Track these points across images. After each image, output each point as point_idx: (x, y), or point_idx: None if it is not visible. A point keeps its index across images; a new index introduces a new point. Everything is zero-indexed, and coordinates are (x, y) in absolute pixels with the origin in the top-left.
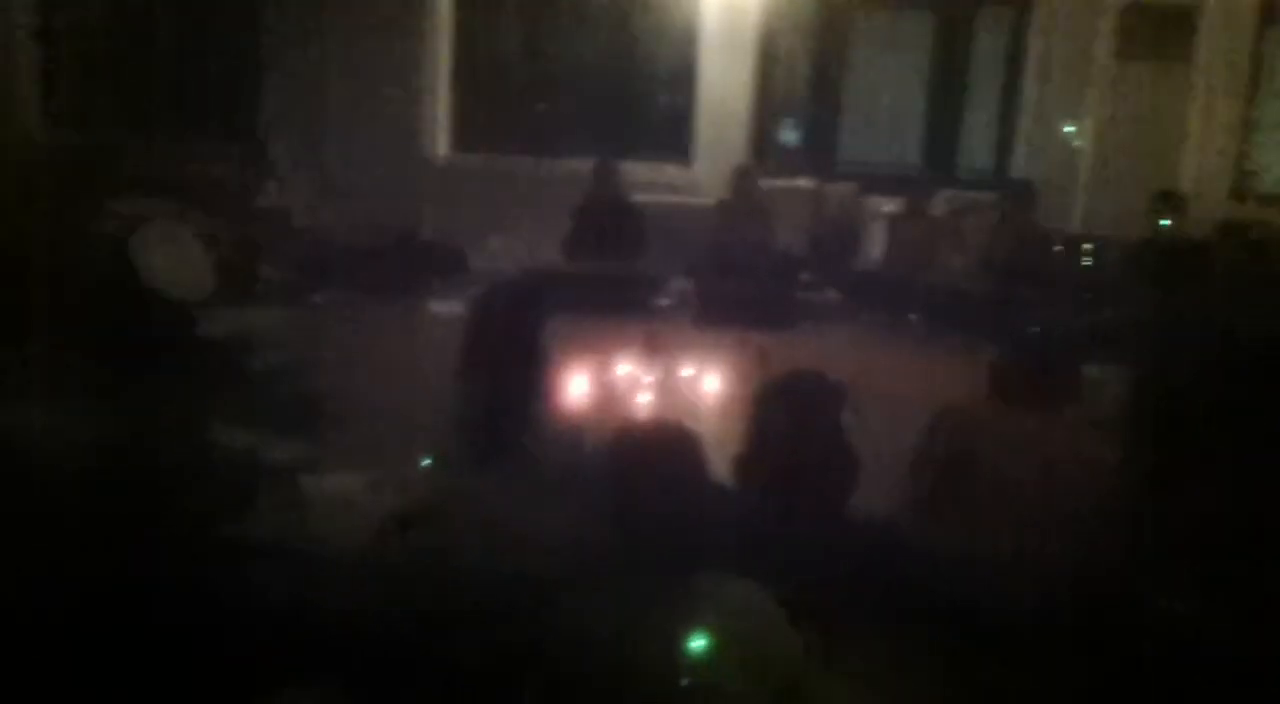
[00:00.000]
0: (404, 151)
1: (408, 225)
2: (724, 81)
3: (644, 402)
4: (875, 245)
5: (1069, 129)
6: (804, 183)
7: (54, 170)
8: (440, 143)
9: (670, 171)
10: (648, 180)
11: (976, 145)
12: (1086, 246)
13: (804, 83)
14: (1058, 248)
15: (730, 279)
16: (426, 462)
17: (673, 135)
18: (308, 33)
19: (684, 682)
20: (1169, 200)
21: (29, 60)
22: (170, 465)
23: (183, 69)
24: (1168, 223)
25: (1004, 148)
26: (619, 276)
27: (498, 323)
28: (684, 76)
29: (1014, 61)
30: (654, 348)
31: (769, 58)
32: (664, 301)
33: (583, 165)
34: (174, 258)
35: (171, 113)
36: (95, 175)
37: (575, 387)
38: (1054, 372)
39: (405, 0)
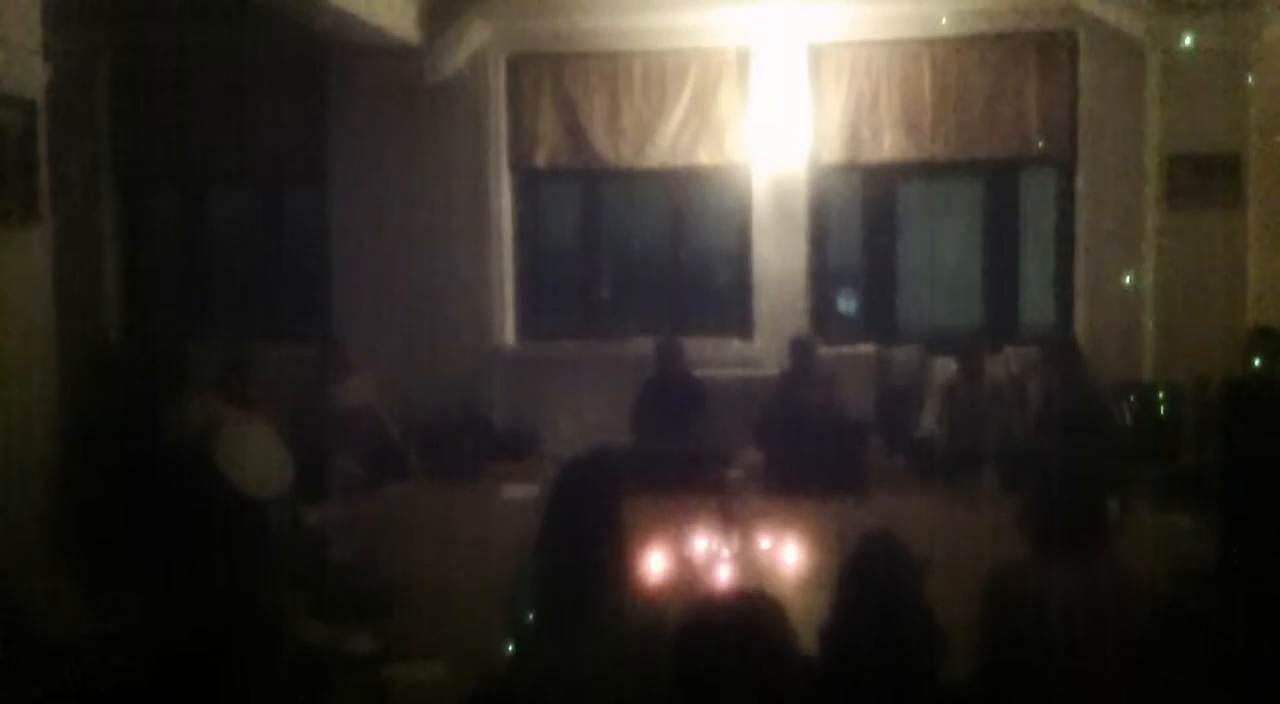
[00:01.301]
0: (472, 342)
1: (478, 414)
2: (778, 255)
3: (724, 575)
4: (939, 408)
5: (1126, 280)
6: (864, 349)
7: (134, 374)
8: (506, 332)
9: (732, 346)
10: (710, 356)
11: (1033, 303)
12: (1160, 394)
13: (858, 251)
14: (1130, 397)
15: (797, 448)
16: (508, 646)
17: (732, 310)
18: (375, 232)
19: None
20: (1266, 339)
21: (111, 264)
22: (252, 662)
23: (260, 274)
24: (1260, 362)
25: (1062, 304)
26: (689, 452)
27: (574, 500)
28: (739, 253)
29: (1064, 217)
30: (729, 520)
31: (821, 229)
32: (735, 474)
33: (645, 345)
34: (254, 458)
35: (250, 317)
36: (175, 378)
37: (654, 563)
38: (1080, 520)
39: (467, 196)
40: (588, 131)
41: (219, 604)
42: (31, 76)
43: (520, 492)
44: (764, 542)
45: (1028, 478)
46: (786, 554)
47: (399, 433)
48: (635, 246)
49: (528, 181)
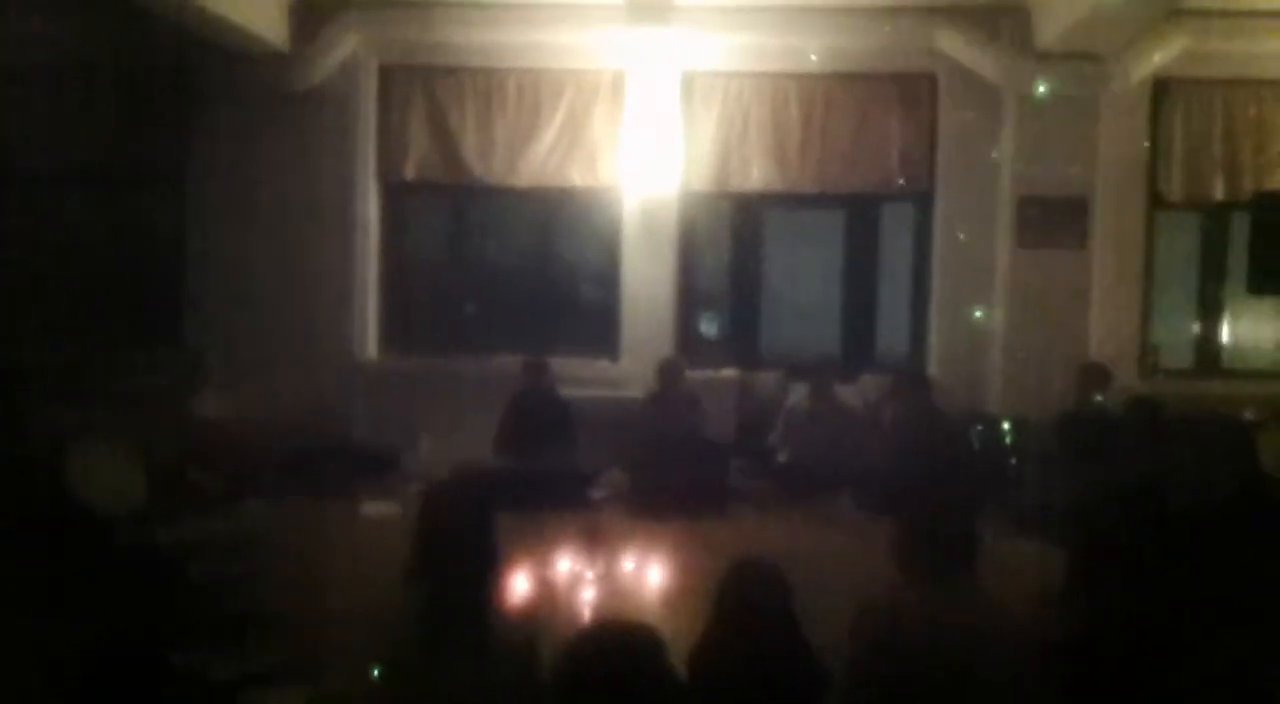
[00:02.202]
0: (334, 355)
1: (339, 429)
2: (646, 278)
3: (588, 597)
4: (798, 432)
5: (977, 314)
6: (728, 373)
7: None
8: (369, 345)
9: (598, 367)
10: (576, 375)
11: (890, 333)
12: (1005, 425)
13: (724, 277)
14: (978, 427)
15: (662, 470)
16: (373, 671)
17: (599, 331)
18: (236, 239)
19: None
20: (1096, 374)
21: None
22: (109, 684)
23: (112, 278)
24: (1099, 397)
25: (917, 335)
26: (553, 471)
27: (444, 521)
28: (607, 274)
29: (921, 251)
30: (594, 542)
31: (689, 254)
32: (598, 494)
33: (511, 363)
34: (103, 472)
35: (100, 323)
36: (21, 389)
37: (517, 584)
38: (950, 541)
39: (332, 206)
40: (459, 146)
41: (66, 629)
42: None
43: (380, 509)
44: (628, 563)
45: (897, 503)
46: (650, 576)
47: (256, 447)
48: (503, 264)
49: (395, 194)
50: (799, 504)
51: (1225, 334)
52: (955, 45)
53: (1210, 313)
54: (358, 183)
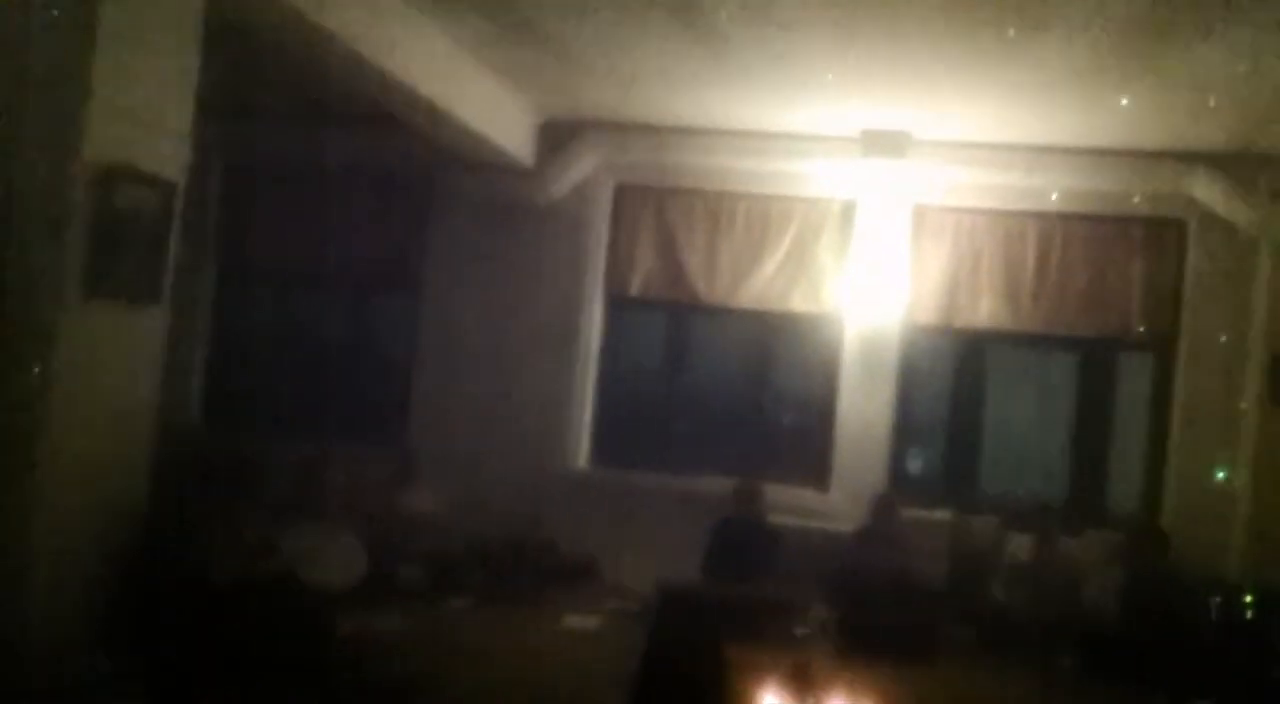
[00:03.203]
0: (545, 462)
1: (543, 536)
2: (863, 409)
3: None
4: (1014, 581)
5: (1219, 475)
6: (941, 515)
7: (213, 475)
8: (580, 456)
9: (806, 496)
10: (782, 504)
11: (1119, 488)
12: (1248, 598)
13: (943, 414)
14: (1218, 598)
15: (870, 609)
16: None
17: (810, 460)
18: (465, 345)
19: None
20: None
21: (192, 363)
22: None
23: (337, 374)
24: None
25: (1149, 492)
26: (759, 602)
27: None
28: (823, 402)
29: (1158, 405)
30: (806, 682)
31: (908, 388)
32: (802, 631)
33: (716, 484)
34: (325, 556)
35: (329, 422)
36: (250, 480)
37: None
38: None
39: (558, 318)
40: (684, 266)
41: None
42: (175, 158)
43: (582, 622)
44: None
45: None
46: None
47: (462, 547)
48: (719, 385)
49: (619, 309)
50: (1014, 659)
51: None
52: (1208, 192)
53: None
54: (585, 297)
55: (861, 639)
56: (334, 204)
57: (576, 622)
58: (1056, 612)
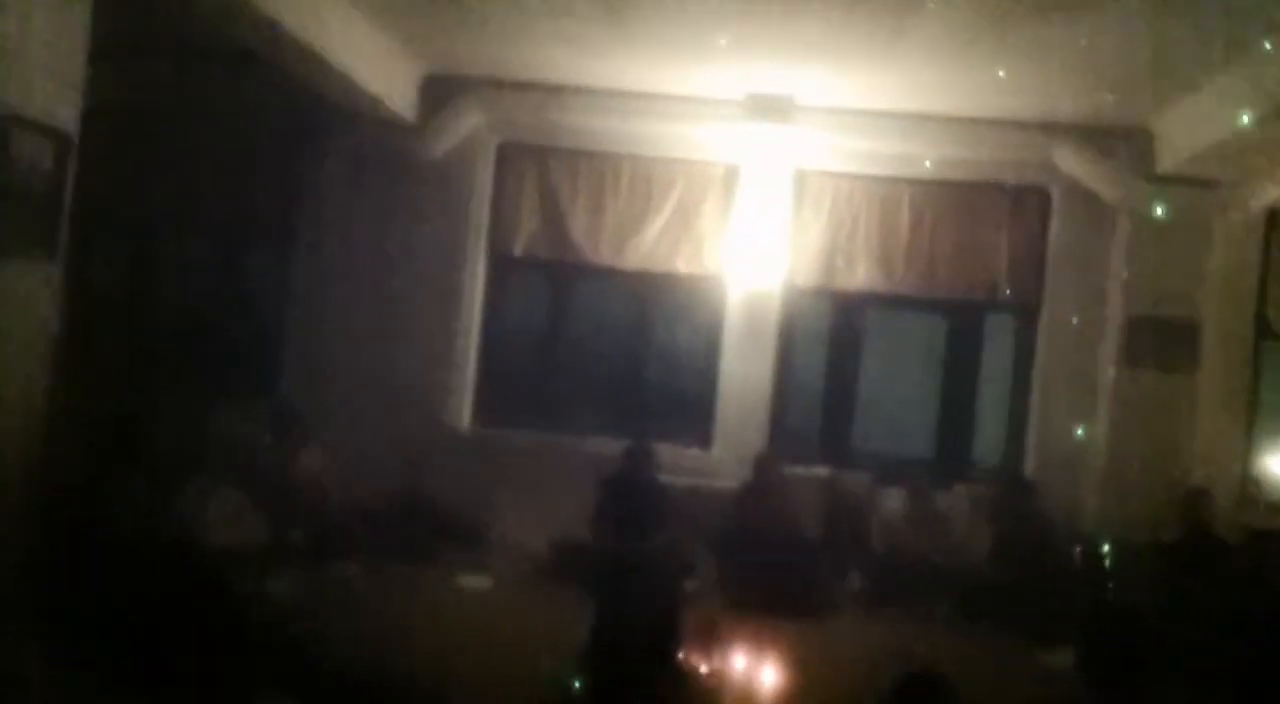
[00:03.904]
0: (428, 422)
1: (426, 496)
2: (745, 369)
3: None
4: (889, 534)
5: (1078, 431)
6: (819, 471)
7: (89, 438)
8: (463, 415)
9: (690, 455)
10: (667, 462)
11: (985, 443)
12: (1105, 547)
13: (821, 374)
14: (1076, 546)
15: (756, 565)
16: None
17: (692, 419)
18: (342, 300)
19: None
20: (1202, 501)
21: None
22: None
23: (218, 329)
24: (1203, 522)
25: (1012, 447)
26: (651, 557)
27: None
28: (706, 363)
29: (1022, 364)
30: (708, 635)
31: (788, 349)
32: (692, 585)
33: (601, 443)
34: (222, 517)
35: (204, 372)
36: (138, 434)
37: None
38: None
39: (440, 275)
40: (569, 226)
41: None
42: (67, 108)
43: (474, 582)
44: (739, 660)
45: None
46: (764, 676)
47: (348, 507)
48: (602, 345)
49: (502, 268)
50: (895, 608)
51: None
52: (1072, 162)
53: None
54: (467, 255)
55: (751, 594)
56: (204, 151)
57: (469, 581)
58: (931, 561)
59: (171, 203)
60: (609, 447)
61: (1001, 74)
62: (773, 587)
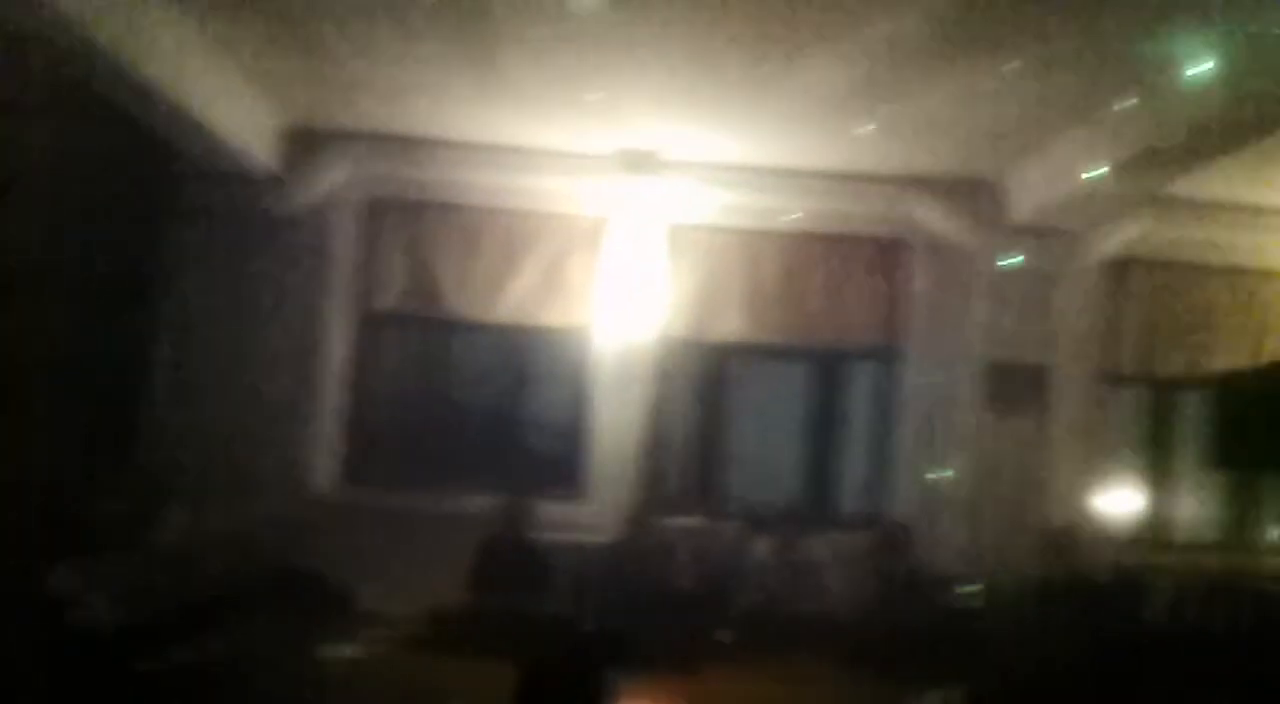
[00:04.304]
0: (291, 486)
1: (296, 563)
2: (617, 421)
3: None
4: (764, 585)
5: (941, 474)
6: (693, 522)
7: None
8: (330, 476)
9: (564, 510)
10: (541, 518)
11: (855, 489)
12: (971, 588)
13: (693, 424)
14: (952, 588)
15: (633, 619)
16: None
17: (565, 473)
18: (203, 359)
19: None
20: (1065, 541)
21: None
22: None
23: (76, 392)
24: (1066, 560)
25: (880, 492)
26: (533, 618)
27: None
28: (577, 417)
29: (887, 411)
30: (599, 695)
31: (659, 401)
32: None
33: (476, 502)
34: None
35: (60, 440)
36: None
37: None
38: None
39: (303, 333)
40: (438, 281)
41: None
42: None
43: (339, 652)
44: None
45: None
46: None
47: (212, 578)
48: (475, 400)
49: (369, 324)
50: (773, 658)
51: (1174, 507)
52: (930, 215)
53: (1160, 486)
54: (332, 311)
55: (629, 649)
56: (55, 206)
57: (333, 652)
58: (805, 609)
59: (17, 263)
60: (482, 504)
61: (859, 132)
62: (648, 643)
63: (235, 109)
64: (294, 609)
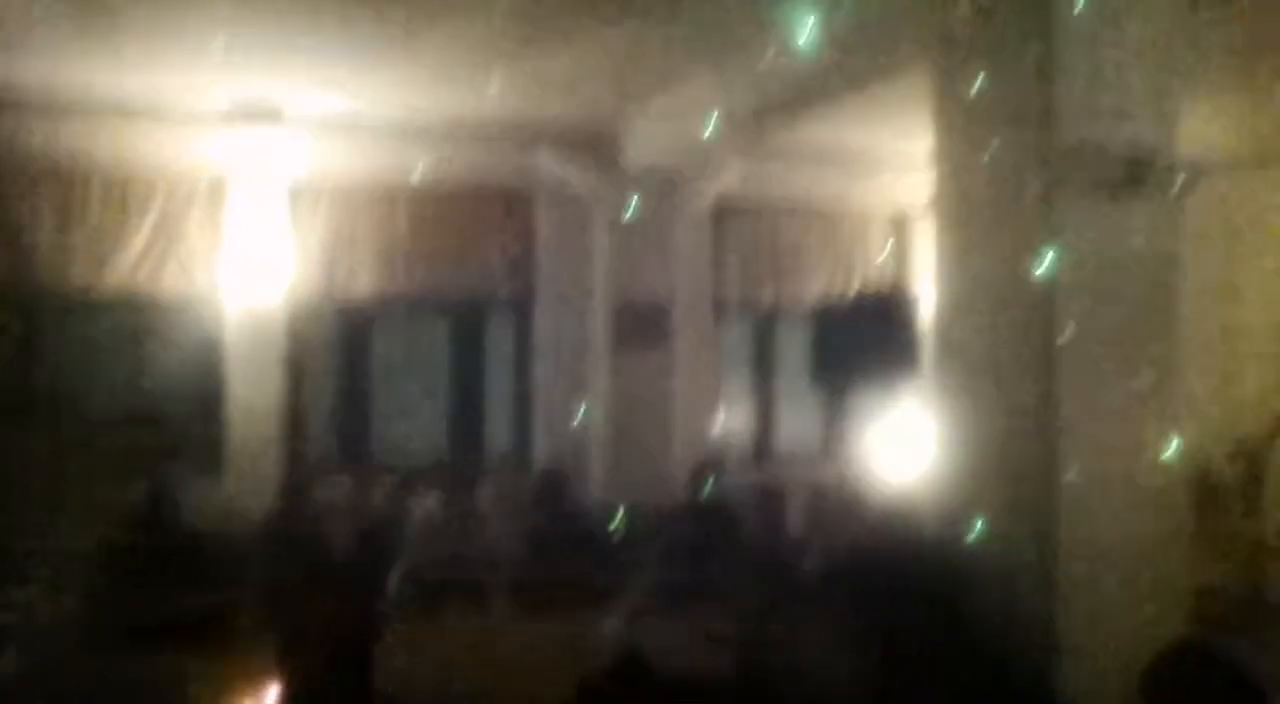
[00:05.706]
0: None
1: None
2: (252, 390)
3: None
4: (426, 538)
5: (581, 414)
6: (344, 482)
7: None
8: None
9: (202, 486)
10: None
11: (500, 437)
12: (619, 515)
13: (334, 387)
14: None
15: (292, 596)
16: None
17: (202, 450)
18: None
19: None
20: (712, 466)
21: None
22: None
23: None
24: (711, 486)
25: (524, 435)
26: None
27: None
28: (208, 388)
29: (524, 358)
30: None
31: (297, 363)
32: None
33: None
34: None
35: None
36: None
37: None
38: None
39: None
40: (31, 252)
41: None
42: None
43: None
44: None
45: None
46: None
47: None
48: (90, 376)
49: None
50: (450, 608)
51: (778, 425)
52: (552, 166)
53: (765, 407)
54: None
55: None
56: None
57: None
58: (473, 559)
59: None
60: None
61: (492, 89)
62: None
63: None
64: None
